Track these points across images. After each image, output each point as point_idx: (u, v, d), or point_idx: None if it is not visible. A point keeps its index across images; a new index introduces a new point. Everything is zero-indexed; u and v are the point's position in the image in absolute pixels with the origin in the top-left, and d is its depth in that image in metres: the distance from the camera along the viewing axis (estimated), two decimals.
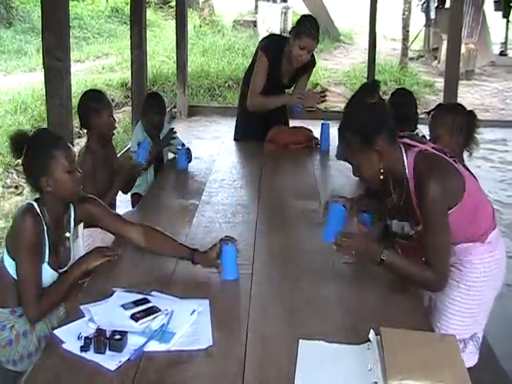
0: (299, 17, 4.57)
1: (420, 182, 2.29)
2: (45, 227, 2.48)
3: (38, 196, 2.54)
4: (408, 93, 3.97)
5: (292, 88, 4.70)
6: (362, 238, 2.43)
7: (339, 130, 2.44)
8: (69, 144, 2.59)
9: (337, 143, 3.06)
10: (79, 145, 6.63)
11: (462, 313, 2.49)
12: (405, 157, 2.35)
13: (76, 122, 5.61)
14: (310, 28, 4.25)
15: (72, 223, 2.67)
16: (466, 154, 3.04)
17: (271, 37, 4.79)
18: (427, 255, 2.34)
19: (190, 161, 4.18)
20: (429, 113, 3.18)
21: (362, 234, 2.51)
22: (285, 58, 4.43)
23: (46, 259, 2.50)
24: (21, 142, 2.50)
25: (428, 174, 2.27)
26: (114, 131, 3.77)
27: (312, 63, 4.56)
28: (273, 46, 4.51)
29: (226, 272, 2.50)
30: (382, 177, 2.39)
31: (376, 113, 2.37)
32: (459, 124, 2.97)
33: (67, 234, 2.64)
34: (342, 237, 2.38)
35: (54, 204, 2.54)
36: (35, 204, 2.48)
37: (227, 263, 2.50)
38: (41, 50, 4.59)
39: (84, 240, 3.32)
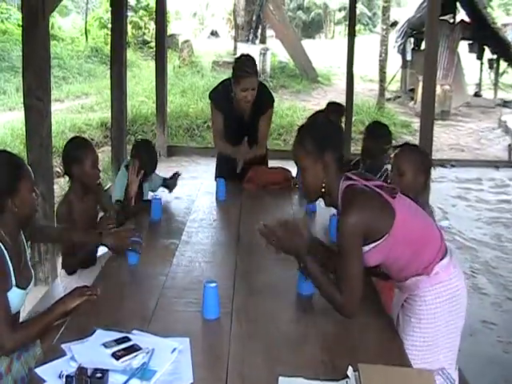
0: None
1: (341, 212, 2.44)
2: (4, 251, 2.46)
3: None
4: (383, 125, 4.07)
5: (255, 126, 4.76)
6: (290, 232, 2.52)
7: (299, 130, 2.58)
8: (27, 165, 2.64)
9: None
10: (58, 184, 6.64)
11: (418, 346, 2.49)
12: (341, 184, 2.48)
13: (55, 161, 5.66)
14: (245, 67, 4.34)
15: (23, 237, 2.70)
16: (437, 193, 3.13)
17: (219, 84, 4.82)
18: (338, 282, 2.42)
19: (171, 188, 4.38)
20: (395, 148, 3.27)
21: (294, 228, 2.56)
22: (235, 101, 4.53)
23: (14, 282, 2.49)
24: None
25: (347, 206, 2.40)
26: (99, 180, 3.78)
27: (270, 101, 4.67)
28: (219, 93, 4.68)
29: (207, 311, 2.52)
30: (322, 190, 2.53)
31: (335, 132, 2.57)
32: (426, 166, 3.08)
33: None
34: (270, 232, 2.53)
35: (12, 224, 2.56)
36: None
37: (209, 303, 2.52)
38: (21, 89, 4.63)
39: (62, 283, 3.34)
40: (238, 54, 17.91)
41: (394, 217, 2.41)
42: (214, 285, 2.52)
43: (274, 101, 4.76)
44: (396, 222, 2.41)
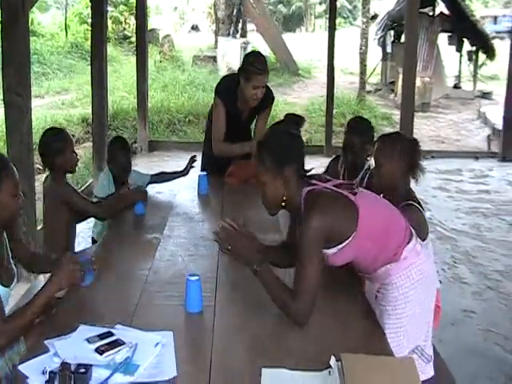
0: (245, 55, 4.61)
1: (303, 217, 2.41)
2: None
3: None
4: (366, 120, 4.05)
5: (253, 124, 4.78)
6: (243, 238, 2.50)
7: (258, 145, 2.56)
8: (14, 168, 2.57)
9: None
10: (39, 181, 6.60)
11: (393, 333, 2.50)
12: (302, 192, 2.47)
13: (36, 158, 5.62)
14: (258, 64, 4.29)
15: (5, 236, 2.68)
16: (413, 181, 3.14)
17: (224, 79, 4.80)
18: (294, 287, 2.40)
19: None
20: (374, 143, 3.28)
21: (248, 236, 2.54)
22: (240, 99, 4.48)
23: None
24: None
25: (308, 210, 2.39)
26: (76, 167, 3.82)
27: (270, 99, 4.63)
28: (226, 89, 4.56)
29: (190, 305, 2.53)
30: (283, 204, 2.52)
31: (296, 144, 2.56)
32: (398, 152, 3.06)
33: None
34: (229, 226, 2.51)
35: None
36: None
37: (192, 296, 2.53)
38: (0, 86, 4.60)
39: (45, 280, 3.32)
40: (218, 48, 17.96)
41: (357, 214, 2.42)
42: (196, 278, 2.52)
43: (274, 99, 4.72)
44: (360, 218, 2.42)
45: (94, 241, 4.15)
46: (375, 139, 3.32)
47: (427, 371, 2.59)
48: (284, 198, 2.51)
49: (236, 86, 4.45)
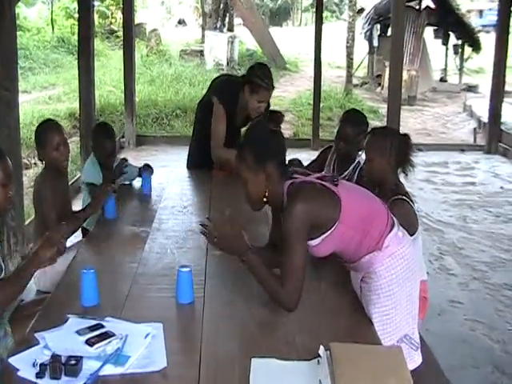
0: (251, 66, 4.58)
1: (286, 207, 2.47)
2: None
3: None
4: (361, 112, 4.06)
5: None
6: (229, 230, 2.52)
7: (239, 143, 2.64)
8: (7, 159, 2.58)
9: None
10: (27, 176, 6.60)
11: (379, 322, 2.52)
12: (285, 186, 2.52)
13: (23, 153, 5.61)
14: (266, 79, 4.27)
15: None
16: (402, 175, 3.17)
17: (224, 81, 4.75)
18: (282, 275, 2.44)
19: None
20: (365, 136, 3.31)
21: (234, 225, 2.55)
22: (239, 106, 4.46)
23: None
24: None
25: (292, 199, 2.44)
26: (68, 162, 3.79)
27: (267, 109, 4.55)
28: (228, 94, 4.51)
29: (181, 296, 2.55)
30: (265, 199, 2.58)
31: (276, 140, 2.61)
32: (389, 147, 3.09)
33: None
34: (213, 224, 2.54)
35: None
36: None
37: (183, 288, 2.55)
38: None
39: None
40: (206, 43, 17.89)
41: (339, 204, 2.45)
42: (187, 269, 2.54)
43: (269, 104, 4.61)
44: (343, 208, 2.45)
45: (84, 230, 4.12)
46: (367, 133, 3.34)
47: (416, 359, 2.62)
48: (266, 193, 2.56)
49: (238, 91, 4.42)
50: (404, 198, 3.10)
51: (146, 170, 4.38)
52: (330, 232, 2.46)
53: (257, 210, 2.72)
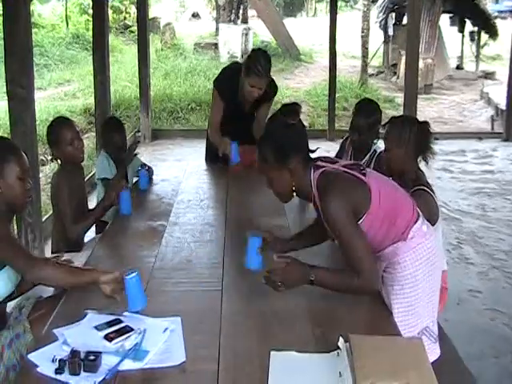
0: (251, 50, 4.61)
1: (321, 198, 2.42)
2: None
3: None
4: (373, 102, 4.04)
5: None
6: (287, 267, 2.45)
7: (258, 144, 2.57)
8: (23, 154, 2.63)
9: None
10: (43, 172, 6.63)
11: (401, 313, 2.52)
12: (312, 176, 2.48)
13: (40, 150, 5.64)
14: (259, 65, 4.24)
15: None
16: (423, 164, 3.14)
17: (224, 71, 4.77)
18: (348, 263, 2.43)
19: (151, 180, 4.29)
20: (384, 126, 3.28)
21: (285, 263, 2.48)
22: (240, 90, 4.45)
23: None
24: None
25: (326, 189, 2.41)
26: (84, 155, 3.80)
27: (273, 92, 4.61)
28: (226, 81, 4.57)
29: (132, 303, 2.38)
30: (293, 192, 2.55)
31: (295, 134, 2.53)
32: (408, 136, 3.07)
33: None
34: (268, 272, 2.44)
35: (4, 208, 2.56)
36: None
37: (133, 294, 2.38)
38: (3, 78, 4.60)
39: None
40: (220, 35, 17.84)
41: (370, 193, 2.43)
42: (134, 274, 2.37)
43: (276, 92, 4.71)
44: (372, 198, 2.43)
45: (103, 223, 4.11)
46: (385, 122, 3.31)
47: (435, 351, 2.60)
48: (293, 187, 2.53)
49: (236, 78, 4.43)
50: (425, 188, 3.07)
51: (144, 170, 4.33)
52: (361, 221, 2.43)
53: (287, 201, 2.72)
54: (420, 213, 2.63)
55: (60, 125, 3.70)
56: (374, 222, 2.46)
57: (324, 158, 2.60)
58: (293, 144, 2.50)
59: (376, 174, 2.62)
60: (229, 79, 4.53)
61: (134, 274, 2.36)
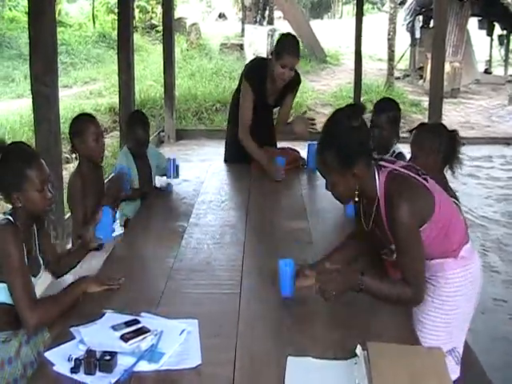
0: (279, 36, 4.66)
1: (390, 202, 2.33)
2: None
3: (10, 209, 2.57)
4: (392, 100, 4.05)
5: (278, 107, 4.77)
6: (338, 276, 2.38)
7: (318, 146, 2.43)
8: (42, 161, 2.59)
9: None
10: (67, 170, 6.66)
11: (436, 327, 2.51)
12: (377, 178, 2.38)
13: (64, 148, 5.66)
14: (290, 46, 4.32)
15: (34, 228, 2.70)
16: (449, 173, 3.09)
17: (253, 61, 4.82)
18: (403, 273, 2.37)
19: (177, 172, 4.25)
20: (411, 131, 3.23)
21: (335, 271, 2.41)
22: (269, 79, 4.47)
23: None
24: None
25: (397, 194, 2.31)
26: (103, 155, 3.77)
27: (297, 81, 4.63)
28: (255, 70, 4.58)
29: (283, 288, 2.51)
30: (356, 198, 2.43)
31: (359, 137, 2.37)
32: (437, 146, 3.02)
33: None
34: (319, 280, 2.37)
35: (22, 216, 2.56)
36: (10, 218, 2.50)
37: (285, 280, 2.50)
38: (29, 76, 4.62)
39: None
40: (245, 36, 17.82)
41: (433, 201, 2.38)
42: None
43: (300, 83, 4.73)
44: (436, 205, 2.38)
45: (126, 221, 4.11)
46: (413, 128, 3.27)
47: (456, 372, 2.57)
48: (357, 191, 2.41)
49: (265, 68, 4.46)
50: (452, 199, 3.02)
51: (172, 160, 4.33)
52: (423, 228, 2.37)
53: (347, 203, 2.66)
54: (469, 235, 2.60)
55: (84, 119, 3.69)
56: (433, 230, 2.40)
57: (382, 158, 2.53)
58: (358, 148, 2.35)
59: (434, 183, 2.51)
60: (257, 68, 4.56)
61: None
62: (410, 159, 3.16)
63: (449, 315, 2.52)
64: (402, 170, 2.42)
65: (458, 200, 3.06)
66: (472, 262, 2.56)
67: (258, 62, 4.79)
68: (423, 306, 2.53)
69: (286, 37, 4.55)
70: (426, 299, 2.52)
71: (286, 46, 4.32)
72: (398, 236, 2.33)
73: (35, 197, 2.53)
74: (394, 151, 3.73)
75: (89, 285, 2.58)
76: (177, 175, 4.24)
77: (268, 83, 4.51)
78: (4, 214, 2.56)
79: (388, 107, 3.82)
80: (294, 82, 4.59)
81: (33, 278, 2.56)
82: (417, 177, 2.41)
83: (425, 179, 2.42)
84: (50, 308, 2.45)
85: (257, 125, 4.55)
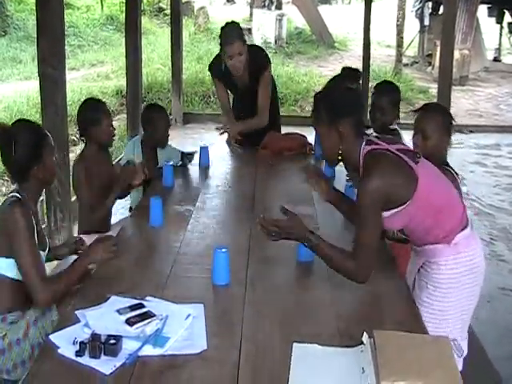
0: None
1: (362, 175, 2.40)
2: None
3: (14, 188, 2.61)
4: (391, 82, 4.09)
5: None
6: (289, 221, 2.51)
7: (315, 97, 2.58)
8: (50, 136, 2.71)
9: None
10: (74, 152, 6.65)
11: (431, 314, 2.50)
12: (362, 149, 2.44)
13: (71, 130, 5.65)
14: (228, 35, 4.29)
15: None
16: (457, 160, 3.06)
17: (214, 59, 4.78)
18: (354, 246, 2.41)
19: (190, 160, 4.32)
20: (415, 111, 3.16)
21: (289, 216, 2.54)
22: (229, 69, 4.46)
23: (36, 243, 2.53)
24: (8, 138, 2.55)
25: (369, 167, 2.37)
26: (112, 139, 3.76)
27: (262, 63, 4.54)
28: (215, 65, 4.64)
29: (216, 277, 2.53)
30: (339, 157, 2.52)
31: (351, 98, 2.55)
32: (447, 125, 3.00)
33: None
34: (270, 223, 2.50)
35: (34, 190, 2.64)
36: (17, 194, 2.53)
37: (219, 269, 2.53)
38: (36, 58, 4.60)
39: None
40: (254, 21, 17.73)
41: (416, 183, 2.37)
42: (224, 250, 2.51)
43: (269, 62, 4.60)
44: (418, 188, 2.37)
45: (131, 209, 4.10)
46: (419, 108, 3.23)
47: (458, 365, 2.55)
48: (340, 151, 2.49)
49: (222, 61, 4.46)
50: (450, 168, 2.99)
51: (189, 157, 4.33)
52: (400, 209, 2.39)
53: (332, 165, 2.77)
54: (470, 221, 2.58)
55: (99, 107, 3.67)
56: (417, 213, 2.41)
57: (382, 137, 2.59)
58: (346, 106, 2.49)
59: (429, 166, 2.52)
60: (219, 63, 4.54)
61: (224, 250, 2.53)
62: (418, 139, 3.06)
63: (442, 302, 2.50)
64: (392, 148, 2.42)
65: (457, 174, 3.01)
66: (469, 250, 2.52)
67: (216, 57, 4.74)
68: (420, 291, 2.56)
69: (222, 29, 4.42)
70: (421, 285, 2.55)
71: (224, 36, 4.30)
72: (359, 208, 2.38)
73: (52, 163, 2.66)
74: (395, 129, 3.77)
75: (92, 257, 2.59)
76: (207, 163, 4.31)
77: (232, 75, 4.49)
78: (11, 192, 2.58)
79: (388, 89, 3.87)
80: (259, 64, 4.51)
81: (42, 253, 2.57)
82: (406, 158, 2.40)
83: (416, 162, 2.41)
84: (59, 284, 2.49)
85: (252, 112, 4.57)
